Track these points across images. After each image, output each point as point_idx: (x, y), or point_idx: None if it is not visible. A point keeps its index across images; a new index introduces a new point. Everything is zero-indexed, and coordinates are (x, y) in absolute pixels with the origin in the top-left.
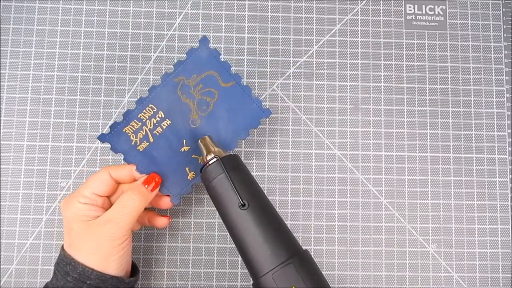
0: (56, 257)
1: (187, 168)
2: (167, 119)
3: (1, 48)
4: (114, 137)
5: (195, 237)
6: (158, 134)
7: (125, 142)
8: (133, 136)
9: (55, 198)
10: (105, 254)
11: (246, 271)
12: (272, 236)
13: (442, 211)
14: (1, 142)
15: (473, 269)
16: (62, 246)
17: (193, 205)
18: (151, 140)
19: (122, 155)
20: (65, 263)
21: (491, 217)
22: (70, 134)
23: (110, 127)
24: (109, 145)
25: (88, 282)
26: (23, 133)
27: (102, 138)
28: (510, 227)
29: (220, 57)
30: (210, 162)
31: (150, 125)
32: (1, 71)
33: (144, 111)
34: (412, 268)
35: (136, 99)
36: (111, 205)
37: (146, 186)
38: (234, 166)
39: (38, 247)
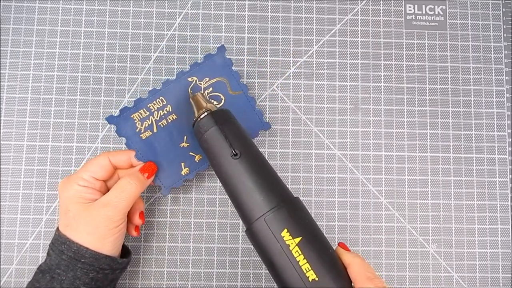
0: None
1: (182, 163)
2: (173, 114)
3: (1, 48)
4: (121, 121)
5: (195, 237)
6: (162, 126)
7: (130, 127)
8: (139, 124)
9: (55, 198)
10: (101, 235)
11: (246, 271)
12: (264, 184)
13: (442, 211)
14: (1, 142)
15: (473, 269)
16: (57, 227)
17: (193, 205)
18: (155, 130)
19: (125, 140)
20: (60, 242)
21: (491, 217)
22: (70, 134)
23: (120, 110)
24: (115, 128)
25: (82, 260)
26: (23, 133)
27: (110, 119)
28: (510, 227)
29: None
30: (201, 117)
31: (157, 116)
32: (1, 71)
33: (154, 102)
34: (412, 268)
35: (149, 89)
36: (107, 189)
37: (143, 173)
38: (225, 119)
39: (38, 247)
